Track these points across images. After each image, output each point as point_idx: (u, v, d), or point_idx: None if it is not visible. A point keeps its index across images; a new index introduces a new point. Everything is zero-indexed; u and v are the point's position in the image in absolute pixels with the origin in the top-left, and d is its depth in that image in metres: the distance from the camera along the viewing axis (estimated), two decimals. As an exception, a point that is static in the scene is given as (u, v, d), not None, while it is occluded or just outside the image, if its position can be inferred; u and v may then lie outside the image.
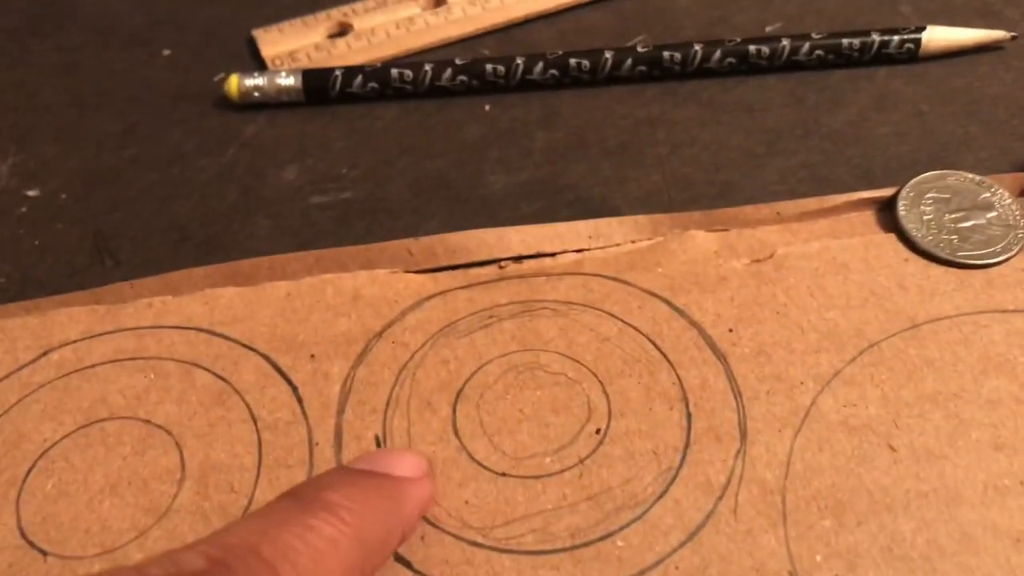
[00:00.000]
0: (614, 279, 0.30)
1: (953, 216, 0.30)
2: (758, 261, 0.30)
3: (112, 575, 0.17)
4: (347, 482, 0.21)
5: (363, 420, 0.27)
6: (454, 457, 0.26)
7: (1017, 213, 0.30)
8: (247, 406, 0.27)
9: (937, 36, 0.37)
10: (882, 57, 0.37)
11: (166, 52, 0.40)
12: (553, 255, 0.31)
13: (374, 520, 0.21)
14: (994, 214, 0.30)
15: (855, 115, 0.36)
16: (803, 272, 0.29)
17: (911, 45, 0.37)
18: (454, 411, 0.27)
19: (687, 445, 0.26)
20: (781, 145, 0.35)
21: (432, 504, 0.24)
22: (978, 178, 0.31)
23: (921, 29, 0.37)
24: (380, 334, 0.28)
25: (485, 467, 0.26)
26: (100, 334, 0.29)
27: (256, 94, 0.37)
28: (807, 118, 0.36)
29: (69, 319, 0.29)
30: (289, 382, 0.27)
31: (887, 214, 0.31)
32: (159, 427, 0.27)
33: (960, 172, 0.32)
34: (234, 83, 0.37)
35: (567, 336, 0.28)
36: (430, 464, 0.24)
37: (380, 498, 0.21)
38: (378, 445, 0.26)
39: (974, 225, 0.30)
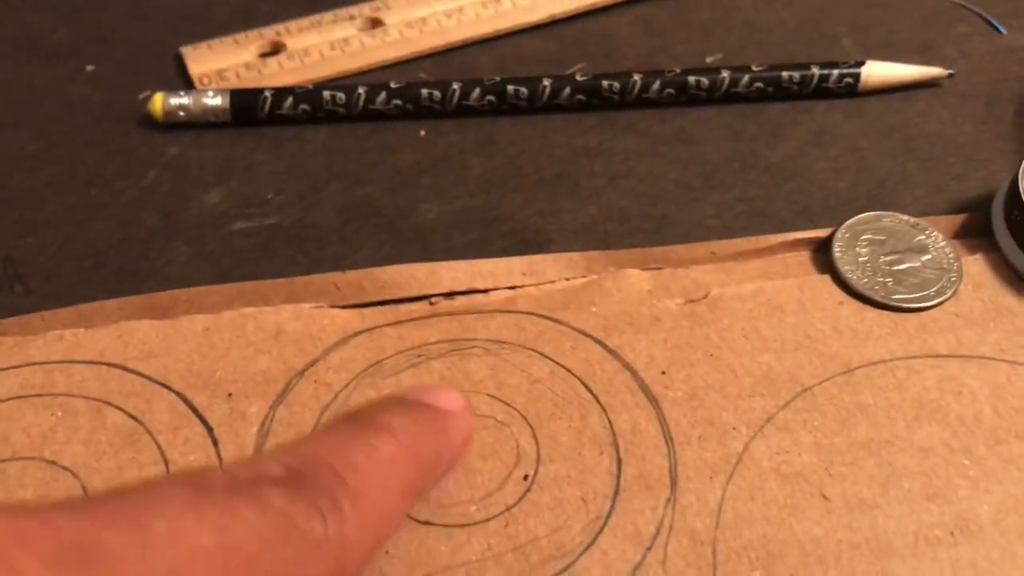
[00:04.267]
0: (547, 318, 0.29)
1: (888, 258, 0.30)
2: (692, 301, 0.29)
3: (201, 475, 0.19)
4: (401, 410, 0.23)
5: (281, 464, 0.25)
6: (375, 505, 0.25)
7: (951, 256, 0.30)
8: (159, 448, 0.26)
9: (876, 71, 0.37)
10: (821, 91, 0.37)
11: (90, 68, 0.39)
12: (486, 291, 0.30)
13: (427, 445, 0.22)
14: (928, 257, 0.30)
15: (793, 149, 0.36)
16: (737, 314, 0.29)
17: (850, 79, 0.37)
18: (377, 456, 0.26)
19: (616, 493, 0.25)
20: (718, 178, 0.35)
21: (472, 437, 0.25)
22: (913, 220, 0.31)
23: (860, 64, 0.37)
24: (302, 373, 0.27)
25: (408, 515, 0.25)
26: (6, 368, 0.27)
27: (181, 114, 0.35)
28: (745, 151, 0.36)
29: (-28, 352, 0.28)
30: (204, 422, 0.26)
31: (822, 255, 0.31)
32: (64, 469, 0.25)
33: (895, 213, 0.32)
34: (158, 102, 0.35)
35: (497, 377, 0.27)
36: (468, 401, 0.25)
37: (430, 426, 0.23)
38: (296, 492, 0.25)
39: (908, 268, 0.30)
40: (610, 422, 0.26)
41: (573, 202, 0.34)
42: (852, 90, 0.37)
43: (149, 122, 0.36)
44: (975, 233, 0.32)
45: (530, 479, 0.25)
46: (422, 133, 0.36)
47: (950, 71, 0.38)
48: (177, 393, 0.27)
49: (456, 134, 0.36)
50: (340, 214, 0.33)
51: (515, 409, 0.27)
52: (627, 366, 0.28)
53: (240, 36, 0.39)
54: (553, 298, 0.29)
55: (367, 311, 0.29)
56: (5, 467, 0.25)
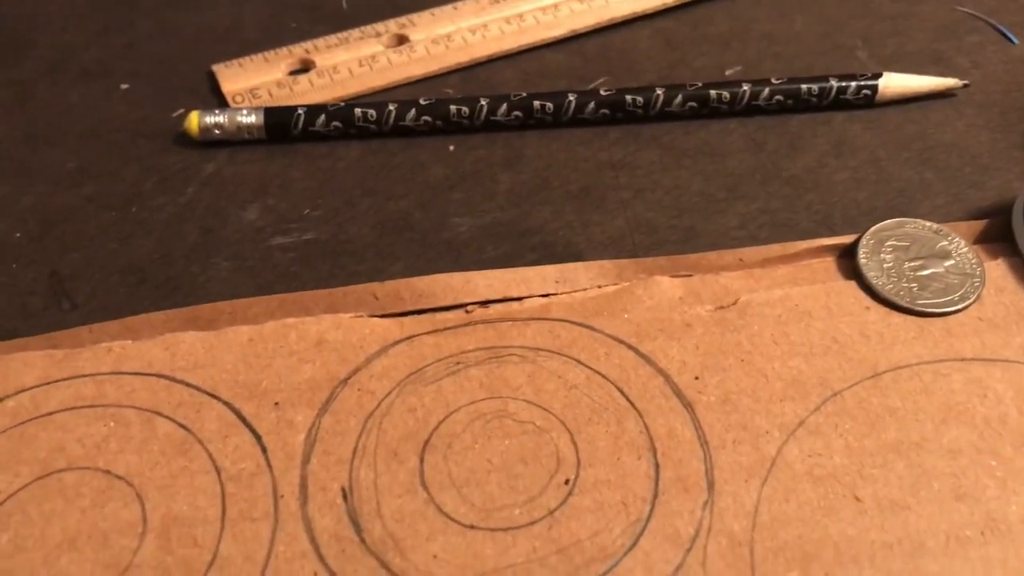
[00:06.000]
0: (581, 325, 0.30)
1: (912, 264, 0.31)
2: (722, 308, 0.30)
3: None
4: None
5: (329, 471, 0.26)
6: (422, 510, 0.26)
7: (973, 261, 0.31)
8: (210, 456, 0.27)
9: (893, 83, 0.38)
10: (839, 103, 0.38)
11: (124, 86, 0.40)
12: (520, 300, 0.31)
13: None
14: (951, 262, 0.31)
15: (814, 161, 0.36)
16: (766, 319, 0.30)
17: (868, 91, 0.38)
18: (422, 461, 0.26)
19: (655, 496, 0.26)
20: (742, 190, 0.35)
21: None
22: (935, 226, 0.32)
23: (878, 75, 0.38)
24: (345, 381, 0.28)
25: (454, 520, 0.25)
26: (57, 380, 0.28)
27: (217, 131, 0.36)
28: (767, 163, 0.36)
29: (25, 365, 0.29)
30: (253, 431, 0.27)
31: (847, 261, 0.32)
32: (119, 478, 0.26)
33: (918, 220, 0.32)
34: (195, 120, 0.36)
35: (535, 383, 0.28)
36: None
37: None
38: (344, 497, 0.26)
39: (932, 273, 0.31)
40: (646, 427, 0.27)
41: (600, 214, 0.34)
42: (870, 101, 0.38)
43: (184, 139, 0.37)
44: (996, 238, 0.32)
45: (571, 483, 0.26)
46: (451, 148, 0.37)
47: (965, 82, 0.39)
48: (225, 402, 0.28)
49: (484, 149, 0.37)
50: (374, 229, 0.34)
51: (553, 415, 0.27)
52: (660, 371, 0.28)
53: (270, 54, 0.40)
54: (586, 305, 0.30)
55: (405, 320, 0.30)
56: (62, 476, 0.26)
